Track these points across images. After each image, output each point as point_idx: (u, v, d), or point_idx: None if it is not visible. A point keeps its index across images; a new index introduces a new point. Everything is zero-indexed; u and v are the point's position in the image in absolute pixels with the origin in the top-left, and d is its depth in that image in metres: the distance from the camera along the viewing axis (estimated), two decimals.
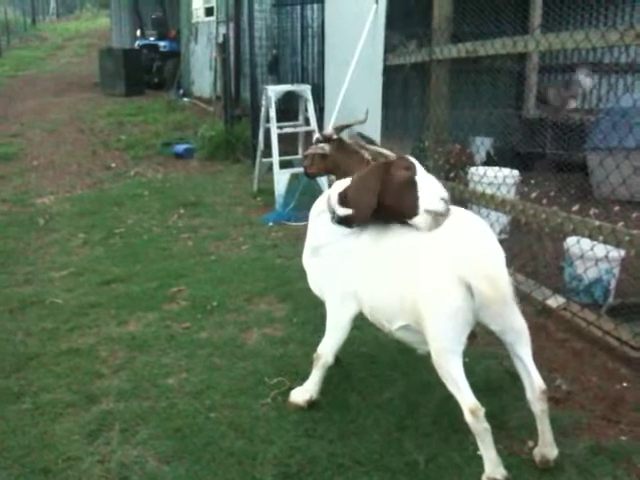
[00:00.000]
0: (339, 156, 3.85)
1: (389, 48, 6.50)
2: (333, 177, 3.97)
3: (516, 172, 6.05)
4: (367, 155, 3.98)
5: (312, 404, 3.35)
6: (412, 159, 2.92)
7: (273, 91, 7.98)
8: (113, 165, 9.76)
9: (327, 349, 3.28)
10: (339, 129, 3.91)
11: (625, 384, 3.51)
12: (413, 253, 2.78)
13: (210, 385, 3.61)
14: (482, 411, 2.59)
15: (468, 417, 2.60)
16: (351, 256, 3.10)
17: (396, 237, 2.92)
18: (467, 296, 2.59)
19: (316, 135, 4.04)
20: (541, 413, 2.78)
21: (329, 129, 4.09)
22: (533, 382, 2.76)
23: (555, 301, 4.37)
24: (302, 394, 3.36)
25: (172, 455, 3.01)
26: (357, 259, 3.07)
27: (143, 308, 4.67)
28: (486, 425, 2.61)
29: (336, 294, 3.20)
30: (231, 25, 10.74)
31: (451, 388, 2.67)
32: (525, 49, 4.73)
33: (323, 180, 7.46)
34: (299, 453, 3.00)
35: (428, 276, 2.68)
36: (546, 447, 2.82)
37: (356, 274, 3.08)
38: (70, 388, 3.62)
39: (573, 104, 8.34)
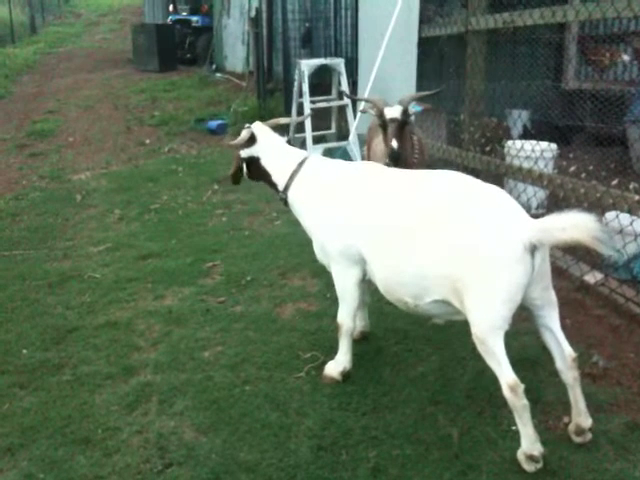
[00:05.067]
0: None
1: (424, 19, 6.40)
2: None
3: (554, 146, 5.93)
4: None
5: (347, 376, 3.37)
6: None
7: (306, 65, 7.94)
8: (147, 141, 9.84)
9: (344, 316, 3.35)
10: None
11: None
12: (457, 222, 2.69)
13: (245, 358, 3.65)
14: (521, 387, 2.58)
15: (507, 393, 2.59)
16: (353, 224, 3.12)
17: (422, 205, 2.86)
18: (530, 269, 2.56)
19: (394, 115, 3.92)
20: (573, 381, 2.76)
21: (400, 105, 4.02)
22: (563, 351, 2.75)
23: (593, 277, 4.30)
24: (335, 366, 3.39)
25: (209, 426, 3.07)
26: (364, 228, 3.07)
27: (179, 283, 4.73)
28: (525, 401, 2.59)
29: (338, 262, 3.25)
30: None
31: (491, 364, 2.65)
32: (564, 19, 4.61)
33: (356, 153, 7.43)
34: (333, 426, 3.03)
35: (489, 247, 2.58)
36: (580, 416, 2.80)
37: (364, 243, 3.08)
38: (109, 360, 3.70)
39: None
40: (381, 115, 3.91)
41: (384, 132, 3.93)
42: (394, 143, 3.82)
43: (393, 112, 3.89)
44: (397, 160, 3.81)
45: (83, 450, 2.96)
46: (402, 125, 3.88)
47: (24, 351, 3.86)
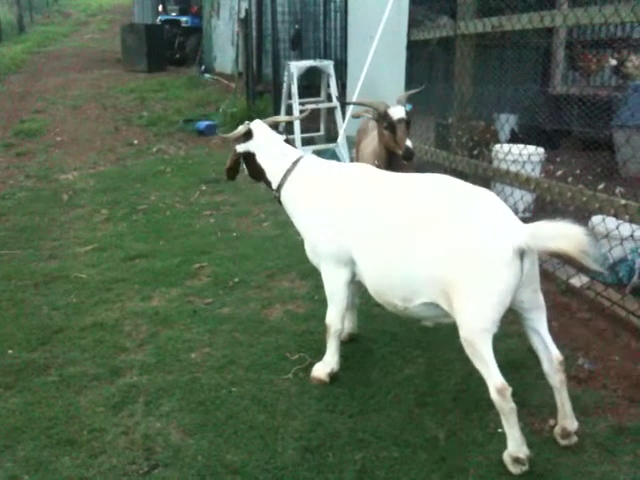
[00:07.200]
0: None
1: (413, 23, 6.41)
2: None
3: (541, 150, 5.96)
4: None
5: (334, 377, 3.37)
6: None
7: (295, 67, 7.94)
8: (135, 142, 9.80)
9: (332, 317, 3.35)
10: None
11: None
12: (447, 224, 2.69)
13: (232, 360, 3.64)
14: (509, 390, 2.59)
15: (495, 396, 2.59)
16: (343, 226, 3.13)
17: (412, 207, 2.86)
18: (519, 272, 2.57)
19: (402, 115, 3.93)
20: (560, 384, 2.78)
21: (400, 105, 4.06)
22: (551, 354, 2.76)
23: (579, 280, 4.33)
24: (323, 368, 3.39)
25: (195, 428, 3.06)
26: (355, 229, 3.08)
27: (166, 283, 4.71)
28: (512, 404, 2.60)
29: (328, 262, 3.27)
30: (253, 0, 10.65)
31: (479, 367, 2.65)
32: (552, 24, 4.64)
33: (345, 155, 7.44)
34: (320, 428, 3.03)
35: (479, 250, 2.58)
36: (566, 419, 2.81)
37: (354, 244, 3.09)
38: (95, 361, 3.68)
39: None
40: (386, 116, 3.92)
41: (392, 134, 3.93)
42: (409, 142, 3.87)
43: (399, 112, 3.92)
44: (411, 159, 3.86)
45: (68, 451, 2.93)
46: (408, 124, 3.93)
47: (9, 351, 3.83)
